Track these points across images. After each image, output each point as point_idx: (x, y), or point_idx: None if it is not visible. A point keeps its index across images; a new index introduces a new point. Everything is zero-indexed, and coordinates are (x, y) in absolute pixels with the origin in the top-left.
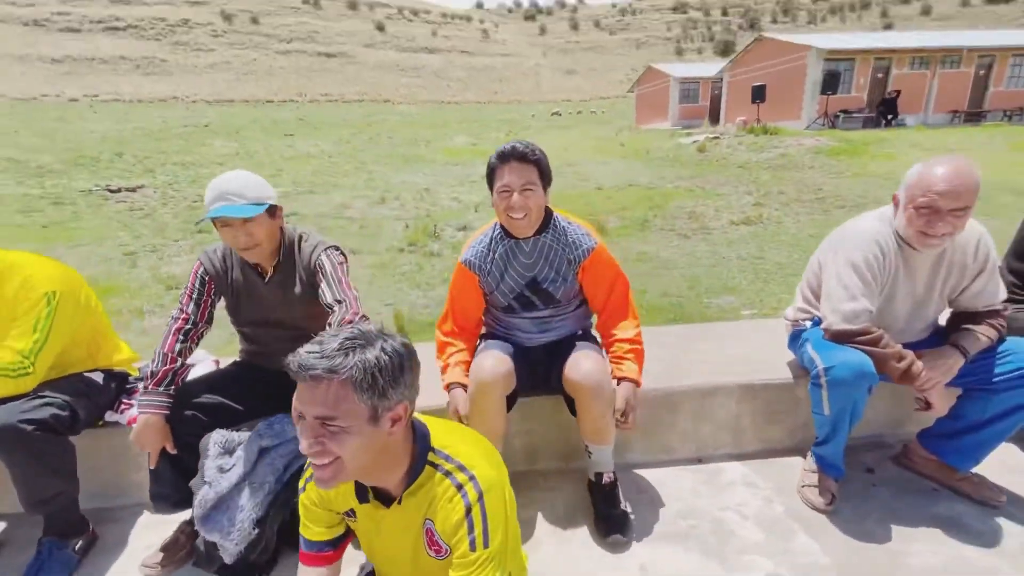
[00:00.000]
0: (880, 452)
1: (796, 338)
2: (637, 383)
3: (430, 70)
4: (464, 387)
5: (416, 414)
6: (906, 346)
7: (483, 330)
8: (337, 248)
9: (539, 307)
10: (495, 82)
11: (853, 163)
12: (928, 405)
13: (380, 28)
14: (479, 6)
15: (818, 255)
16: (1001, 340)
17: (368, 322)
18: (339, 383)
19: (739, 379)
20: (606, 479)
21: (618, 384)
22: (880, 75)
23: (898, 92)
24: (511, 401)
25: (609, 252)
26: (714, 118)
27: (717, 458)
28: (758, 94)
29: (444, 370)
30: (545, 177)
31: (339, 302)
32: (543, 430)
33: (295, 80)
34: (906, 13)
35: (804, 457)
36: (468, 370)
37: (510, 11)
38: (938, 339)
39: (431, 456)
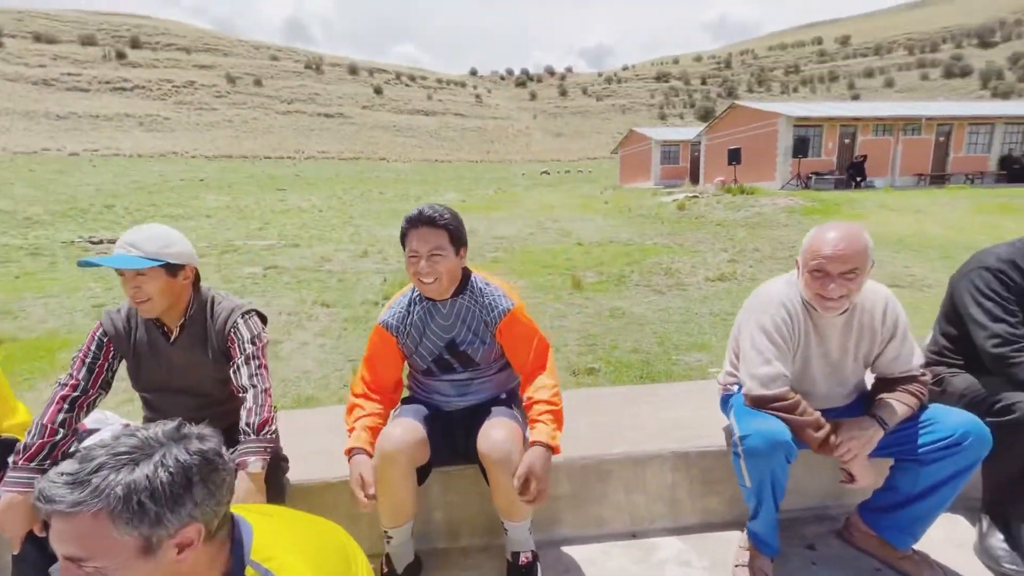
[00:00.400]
0: (823, 526)
1: (725, 403)
2: (551, 448)
3: (425, 131)
4: (369, 453)
5: (251, 507)
6: (831, 412)
7: (407, 393)
8: (257, 313)
9: (458, 370)
10: (487, 142)
11: (825, 222)
12: (852, 477)
13: (378, 91)
14: (473, 73)
15: (738, 319)
16: (923, 407)
17: (168, 425)
18: (91, 516)
19: (673, 446)
20: (523, 559)
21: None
22: (847, 140)
23: (865, 156)
24: (425, 473)
25: (527, 313)
26: (694, 178)
27: (653, 532)
28: (734, 156)
29: (349, 433)
30: (457, 241)
31: (253, 387)
32: (465, 503)
33: (293, 138)
34: (872, 85)
35: (743, 531)
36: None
37: (502, 78)
38: (864, 405)
39: (249, 571)
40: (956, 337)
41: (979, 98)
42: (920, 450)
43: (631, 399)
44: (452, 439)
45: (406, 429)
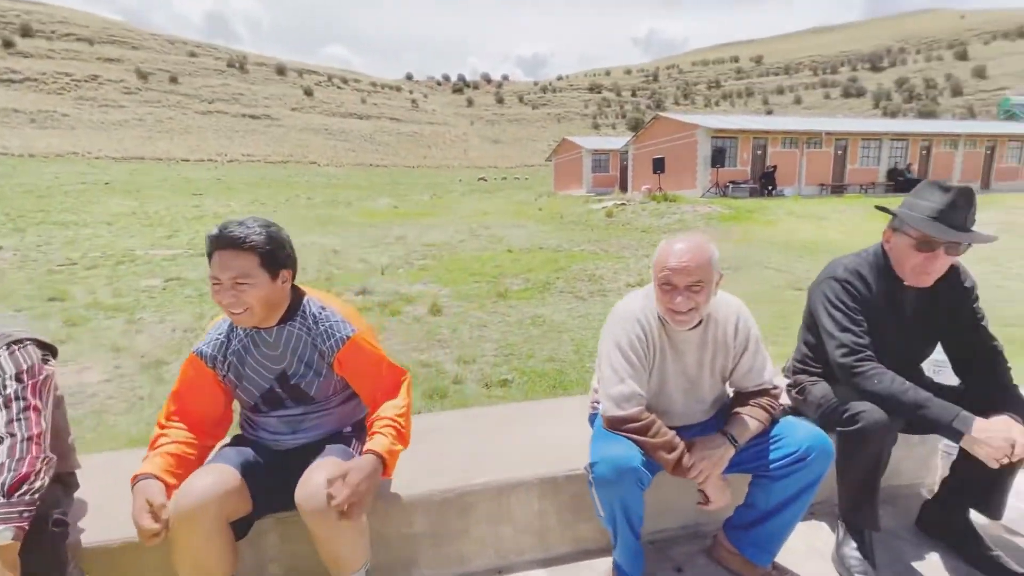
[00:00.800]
0: (694, 544)
1: (593, 422)
2: (381, 457)
3: (359, 135)
4: (159, 479)
5: None
6: (691, 428)
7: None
8: (37, 343)
9: (289, 405)
10: (424, 148)
11: (739, 228)
12: (708, 498)
13: (308, 93)
14: (409, 78)
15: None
16: (775, 421)
17: None
18: None
19: (541, 471)
20: None
21: None
22: (759, 152)
23: (775, 167)
24: (246, 525)
25: (371, 340)
26: (623, 186)
27: (520, 566)
28: (658, 165)
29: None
30: (272, 264)
31: (11, 436)
32: (310, 552)
33: (215, 140)
34: (783, 102)
35: None
36: (183, 466)
37: (439, 84)
38: (724, 421)
39: None
40: (815, 346)
41: (872, 116)
42: (771, 466)
43: (513, 417)
44: (288, 482)
45: (215, 478)
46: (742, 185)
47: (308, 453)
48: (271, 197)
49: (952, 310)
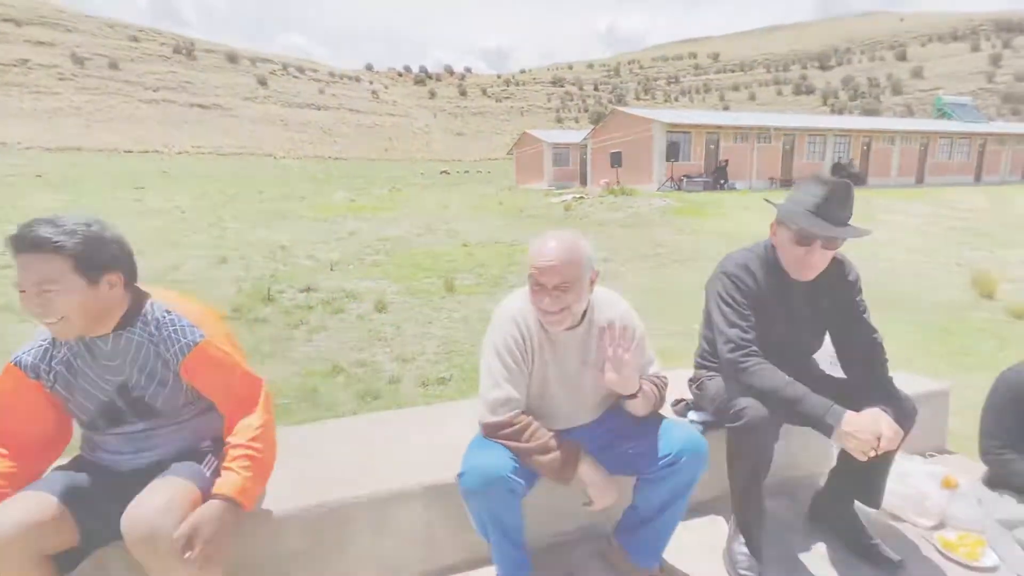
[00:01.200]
0: (589, 547)
1: None
2: (236, 501)
3: (317, 126)
4: None
5: None
6: (577, 431)
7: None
8: None
9: (132, 421)
10: (385, 140)
11: (692, 221)
12: (591, 499)
13: (263, 83)
14: (369, 68)
15: None
16: (660, 417)
17: None
18: None
19: (427, 479)
20: None
21: None
22: (712, 146)
23: (726, 161)
24: (76, 557)
25: (225, 345)
26: (583, 180)
27: None
28: (615, 160)
29: None
30: (88, 267)
31: None
32: None
33: (161, 130)
34: (738, 98)
35: None
36: None
37: (400, 75)
38: (611, 421)
39: None
40: (712, 341)
41: (821, 113)
42: (651, 467)
43: (409, 423)
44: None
45: (23, 509)
46: (696, 179)
47: (155, 473)
48: (221, 191)
49: (837, 303)
